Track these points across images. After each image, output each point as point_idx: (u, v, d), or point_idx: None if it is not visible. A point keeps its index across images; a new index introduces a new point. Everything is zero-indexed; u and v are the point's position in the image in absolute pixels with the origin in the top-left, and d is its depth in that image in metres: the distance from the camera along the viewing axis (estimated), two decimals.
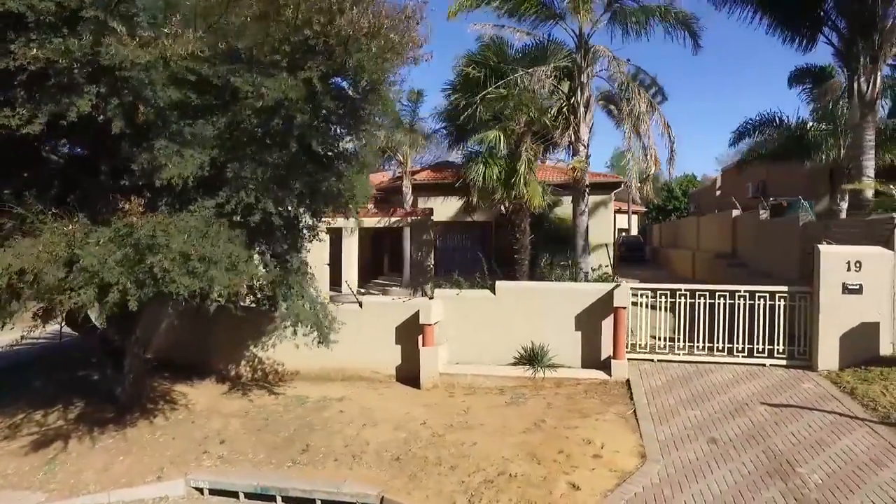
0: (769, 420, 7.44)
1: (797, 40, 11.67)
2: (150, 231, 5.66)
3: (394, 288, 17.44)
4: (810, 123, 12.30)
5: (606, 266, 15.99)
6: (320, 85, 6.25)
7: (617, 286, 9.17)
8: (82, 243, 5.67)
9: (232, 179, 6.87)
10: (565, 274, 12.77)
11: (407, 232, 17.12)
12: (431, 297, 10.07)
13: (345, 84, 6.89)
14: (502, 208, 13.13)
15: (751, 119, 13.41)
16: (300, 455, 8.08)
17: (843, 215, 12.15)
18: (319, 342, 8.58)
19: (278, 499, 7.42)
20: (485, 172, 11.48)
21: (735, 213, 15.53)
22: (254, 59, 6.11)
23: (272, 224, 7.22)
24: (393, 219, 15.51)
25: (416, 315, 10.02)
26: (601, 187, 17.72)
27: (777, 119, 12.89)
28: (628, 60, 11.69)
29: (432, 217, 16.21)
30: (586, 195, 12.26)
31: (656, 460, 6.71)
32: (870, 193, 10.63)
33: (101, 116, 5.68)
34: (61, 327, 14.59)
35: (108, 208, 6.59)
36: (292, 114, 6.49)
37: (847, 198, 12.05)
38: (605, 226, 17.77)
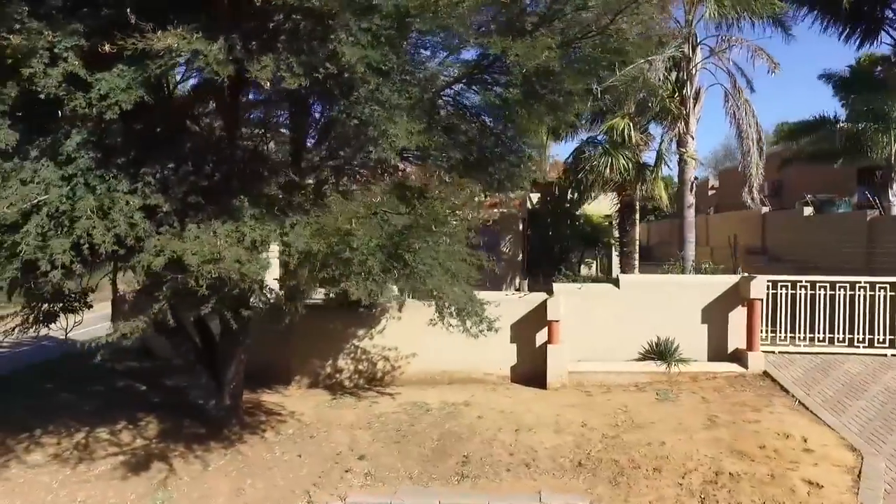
0: None
1: (854, 38, 12.22)
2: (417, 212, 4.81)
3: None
4: (862, 124, 12.93)
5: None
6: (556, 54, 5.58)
7: (753, 278, 9.08)
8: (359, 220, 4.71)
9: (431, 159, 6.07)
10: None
11: None
12: (551, 293, 9.54)
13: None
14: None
15: (805, 119, 13.98)
16: (461, 467, 7.30)
17: (894, 211, 12.89)
18: (482, 332, 7.86)
19: None
20: (611, 163, 11.09)
21: (764, 210, 16.16)
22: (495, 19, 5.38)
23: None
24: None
25: (534, 311, 9.49)
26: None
27: (832, 119, 13.48)
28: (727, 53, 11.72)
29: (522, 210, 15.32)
30: (694, 187, 12.20)
31: (871, 454, 6.55)
32: None
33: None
34: (66, 332, 12.83)
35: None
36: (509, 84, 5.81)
37: None
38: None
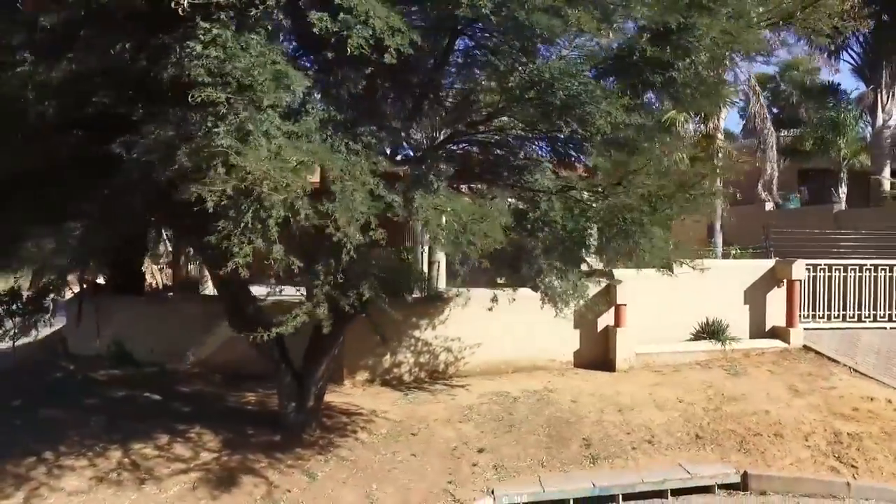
0: None
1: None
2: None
3: None
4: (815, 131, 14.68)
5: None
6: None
7: (793, 261, 9.90)
8: None
9: None
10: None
11: None
12: (612, 277, 9.68)
13: None
14: None
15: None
16: (587, 450, 7.19)
17: (843, 206, 14.77)
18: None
19: (619, 498, 6.53)
20: None
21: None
22: None
23: None
24: None
25: (595, 296, 9.57)
26: None
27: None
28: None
29: None
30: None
31: None
32: (887, 186, 13.13)
33: None
34: (14, 341, 10.82)
35: None
36: None
37: (847, 191, 14.73)
38: None
